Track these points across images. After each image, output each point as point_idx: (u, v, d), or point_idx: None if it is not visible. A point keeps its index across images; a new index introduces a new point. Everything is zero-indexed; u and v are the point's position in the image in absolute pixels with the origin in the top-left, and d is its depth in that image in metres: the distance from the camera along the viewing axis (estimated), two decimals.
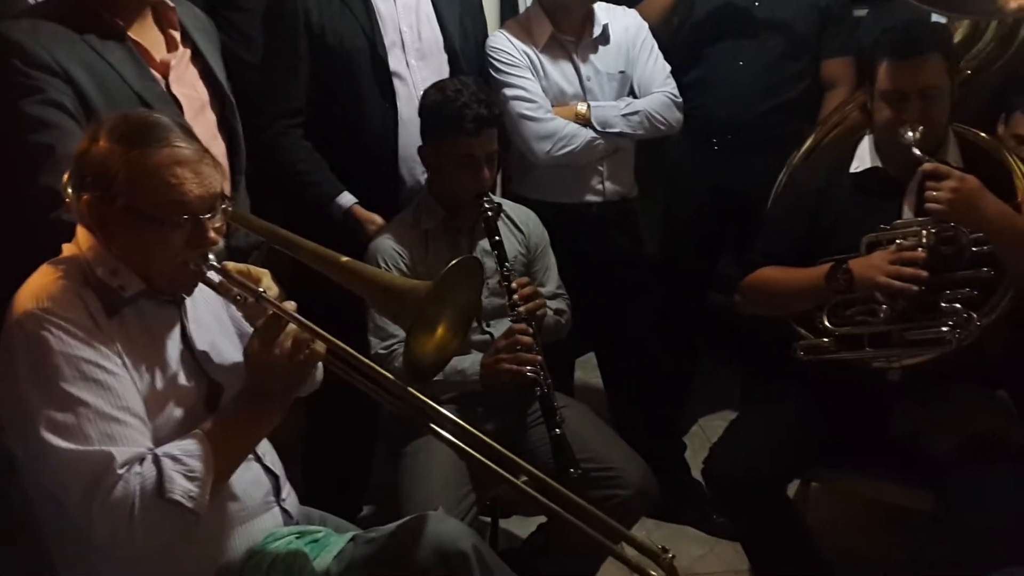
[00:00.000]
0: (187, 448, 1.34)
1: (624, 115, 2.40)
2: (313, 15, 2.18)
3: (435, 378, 1.53)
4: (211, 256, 1.42)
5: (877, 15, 2.69)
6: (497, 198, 2.19)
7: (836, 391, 2.03)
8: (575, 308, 2.28)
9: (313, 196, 2.20)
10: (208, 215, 1.39)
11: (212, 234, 1.40)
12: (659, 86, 2.45)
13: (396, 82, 2.21)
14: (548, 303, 2.14)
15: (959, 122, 2.05)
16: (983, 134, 2.03)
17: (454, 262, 1.44)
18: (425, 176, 2.19)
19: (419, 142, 2.12)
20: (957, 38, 2.16)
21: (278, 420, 1.43)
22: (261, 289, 1.42)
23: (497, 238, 2.03)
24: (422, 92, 2.12)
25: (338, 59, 2.19)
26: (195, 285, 1.46)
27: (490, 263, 2.04)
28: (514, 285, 2.01)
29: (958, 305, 1.88)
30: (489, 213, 2.03)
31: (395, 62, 2.21)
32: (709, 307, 2.88)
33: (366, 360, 1.38)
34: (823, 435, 2.07)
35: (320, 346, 1.38)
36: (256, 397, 1.40)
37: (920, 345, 1.90)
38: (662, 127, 2.44)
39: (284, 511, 1.59)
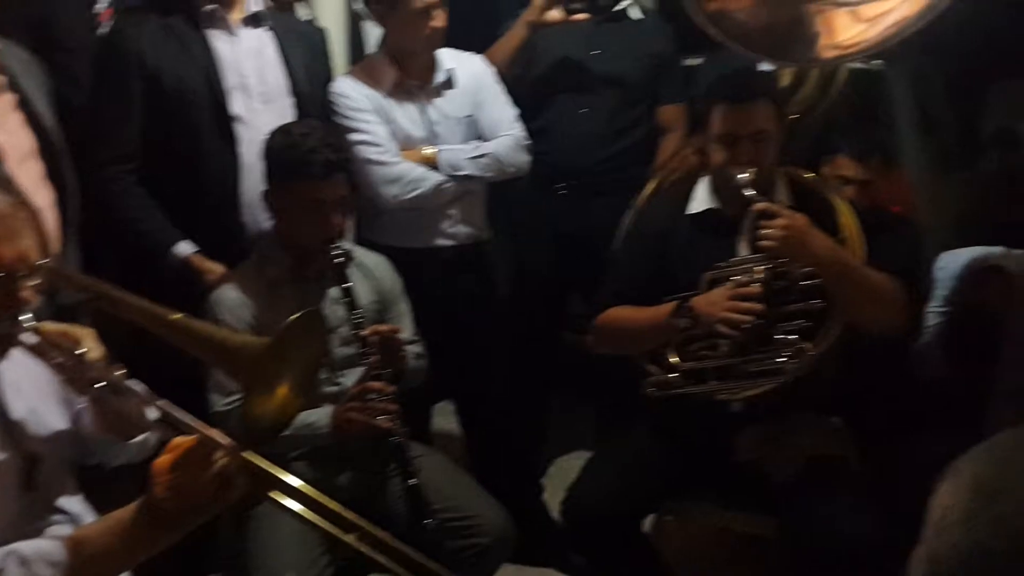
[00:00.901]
0: (43, 551, 1.21)
1: (472, 158, 2.42)
2: (148, 56, 2.09)
3: (283, 433, 1.46)
4: (25, 316, 1.32)
5: (710, 63, 2.84)
6: (347, 244, 2.14)
7: (683, 425, 2.08)
8: (430, 354, 2.25)
9: (148, 245, 2.10)
10: (20, 273, 1.29)
11: (25, 293, 1.30)
12: (507, 129, 2.49)
13: (237, 126, 2.15)
14: (407, 348, 2.11)
15: (787, 164, 2.16)
16: (808, 174, 2.15)
17: (293, 318, 1.39)
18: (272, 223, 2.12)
19: (262, 187, 2.06)
20: (783, 84, 2.29)
21: (165, 547, 1.26)
22: (81, 351, 1.32)
23: (347, 285, 1.97)
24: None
25: (175, 102, 2.11)
26: (6, 349, 1.35)
27: (341, 311, 1.98)
28: (367, 331, 1.95)
29: (792, 336, 1.96)
30: (338, 259, 1.97)
31: (236, 106, 2.15)
32: (561, 347, 2.92)
33: (192, 423, 1.29)
34: (674, 469, 2.11)
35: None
36: (153, 522, 1.23)
37: (759, 376, 1.98)
38: (511, 169, 2.47)
39: None
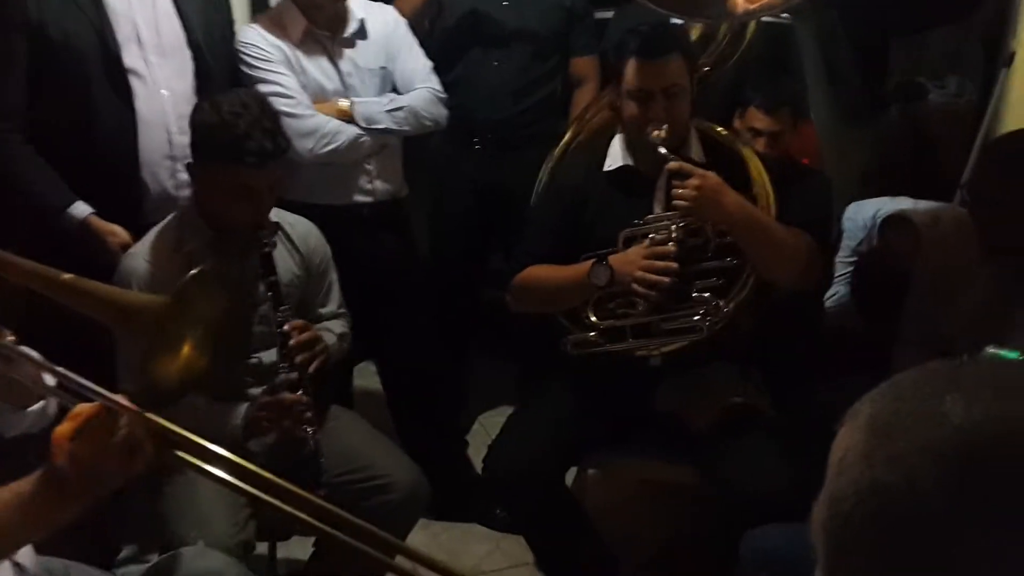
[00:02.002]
0: None
1: (389, 111, 2.35)
2: (31, 8, 1.95)
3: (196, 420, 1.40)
4: None
5: (621, 17, 2.82)
6: (274, 214, 1.99)
7: (604, 380, 2.10)
8: (351, 314, 2.20)
9: (39, 207, 1.97)
10: None
11: None
12: (422, 82, 2.42)
13: (133, 80, 2.03)
14: (331, 325, 2.05)
15: (699, 117, 2.17)
16: (720, 129, 2.16)
17: (192, 273, 1.32)
18: (172, 182, 2.02)
19: (163, 146, 1.96)
20: (693, 38, 2.29)
21: (69, 519, 1.19)
22: None
23: (272, 278, 1.86)
24: (166, 92, 1.95)
25: (63, 56, 1.97)
26: None
27: (262, 288, 1.89)
28: (288, 328, 1.86)
29: (707, 294, 1.99)
30: (266, 248, 1.85)
31: (130, 59, 2.03)
32: (482, 304, 2.90)
33: (94, 388, 1.22)
34: (595, 423, 2.14)
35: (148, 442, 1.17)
36: (55, 494, 1.16)
37: (676, 334, 2.01)
38: (428, 123, 2.41)
39: (16, 565, 1.40)
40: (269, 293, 1.86)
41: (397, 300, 2.50)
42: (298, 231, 2.06)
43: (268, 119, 1.82)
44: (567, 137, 2.38)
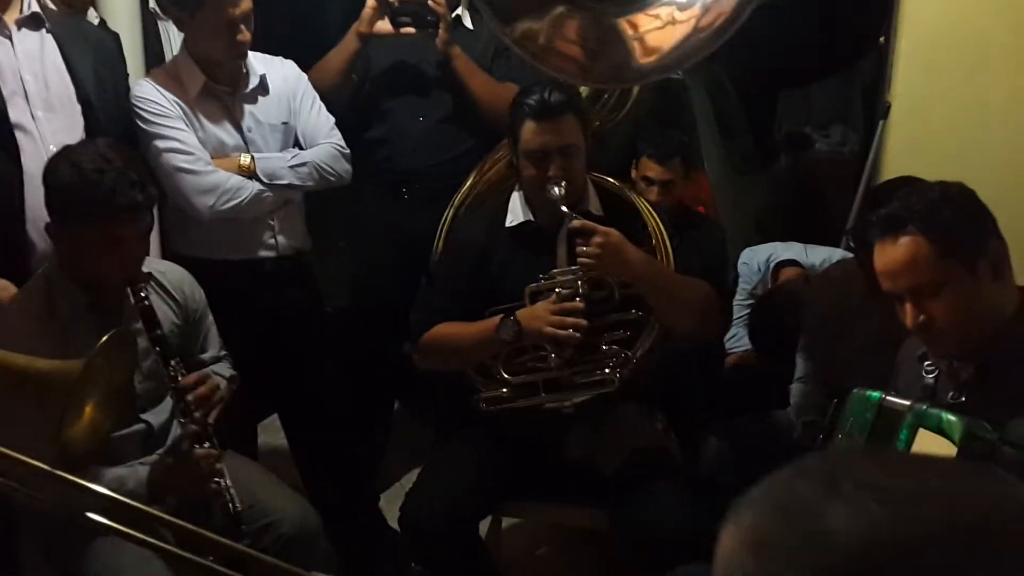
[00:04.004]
0: None
1: (292, 167, 2.34)
2: None
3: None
4: None
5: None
6: (146, 267, 1.92)
7: (516, 428, 2.11)
8: (255, 370, 2.16)
9: None
10: None
11: None
12: (325, 137, 2.42)
13: (19, 135, 1.97)
14: (217, 368, 2.01)
15: (601, 169, 2.24)
16: (613, 180, 2.23)
17: (106, 337, 1.29)
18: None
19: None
20: (585, 94, 2.35)
21: None
22: None
23: (158, 332, 1.79)
24: (54, 148, 1.88)
25: None
26: None
27: (144, 343, 1.83)
28: (183, 383, 1.80)
29: (615, 346, 2.05)
30: (146, 302, 1.79)
31: (16, 113, 1.97)
32: (404, 358, 2.87)
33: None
34: (508, 471, 2.14)
35: None
36: None
37: (587, 387, 2.04)
38: (331, 178, 2.40)
39: None
40: (156, 348, 1.80)
41: (302, 354, 2.46)
42: (171, 279, 2.01)
43: (133, 170, 1.75)
44: (463, 191, 2.41)
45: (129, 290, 1.80)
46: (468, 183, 2.42)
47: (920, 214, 1.49)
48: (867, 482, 0.55)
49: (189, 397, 1.80)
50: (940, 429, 1.42)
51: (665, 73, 1.99)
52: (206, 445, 1.80)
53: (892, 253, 1.51)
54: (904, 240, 1.49)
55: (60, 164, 1.75)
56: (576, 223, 1.97)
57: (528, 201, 2.15)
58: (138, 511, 1.24)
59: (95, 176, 1.70)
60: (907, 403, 1.53)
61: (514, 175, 2.20)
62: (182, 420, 1.82)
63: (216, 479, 1.79)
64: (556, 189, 2.00)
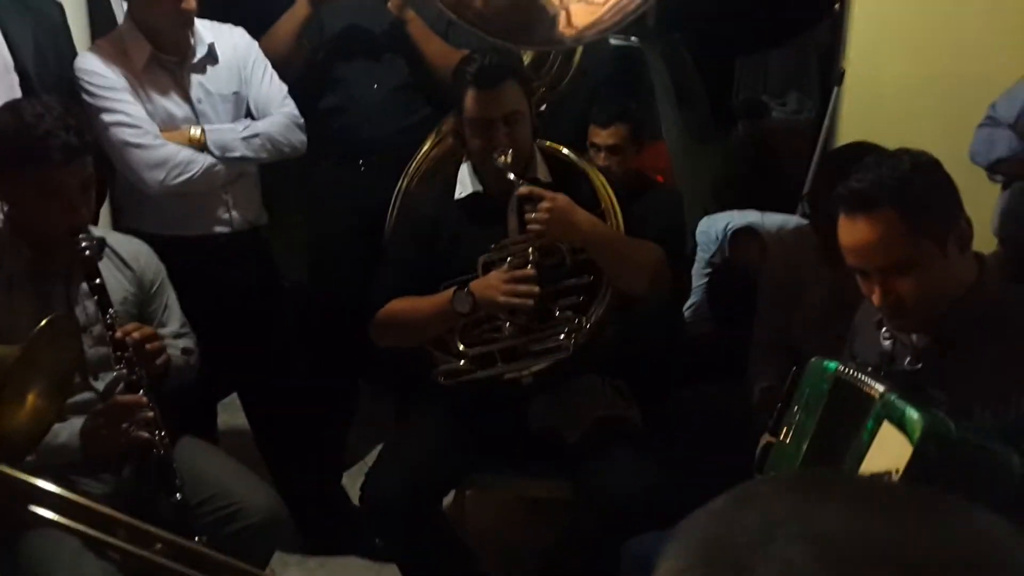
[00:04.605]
0: None
1: (244, 138, 2.28)
2: None
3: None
4: None
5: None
6: (100, 231, 1.95)
7: (477, 402, 2.11)
8: (212, 347, 2.12)
9: None
10: None
11: None
12: (278, 107, 2.36)
13: None
14: (174, 342, 1.97)
15: (559, 140, 2.22)
16: (562, 148, 2.21)
17: (44, 323, 1.25)
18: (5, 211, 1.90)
19: None
20: (527, 61, 2.33)
21: None
22: None
23: (98, 281, 1.78)
24: None
25: None
26: None
27: (92, 308, 1.81)
28: (119, 334, 1.77)
29: (569, 313, 2.04)
30: (87, 252, 1.78)
31: None
32: (365, 333, 2.84)
33: None
34: (470, 445, 2.14)
35: None
36: None
37: (543, 354, 2.04)
38: (286, 149, 2.35)
39: None
40: (94, 297, 1.78)
41: (261, 331, 2.43)
42: (127, 249, 2.00)
43: (72, 117, 1.79)
44: (412, 167, 2.38)
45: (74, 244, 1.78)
46: (414, 163, 2.39)
47: (892, 191, 1.42)
48: (805, 531, 0.51)
49: (127, 340, 1.77)
50: (901, 424, 1.35)
51: (603, 34, 1.96)
52: (139, 393, 1.77)
53: (862, 230, 1.44)
54: (876, 217, 1.43)
55: (3, 113, 1.78)
56: (524, 189, 1.96)
57: (476, 172, 2.13)
58: (85, 508, 1.22)
59: (32, 120, 1.73)
60: (864, 378, 1.47)
61: (461, 148, 2.18)
62: (117, 368, 1.79)
63: (148, 429, 1.76)
64: (503, 159, 1.99)
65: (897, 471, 1.33)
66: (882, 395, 1.41)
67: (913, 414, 1.34)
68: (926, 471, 1.29)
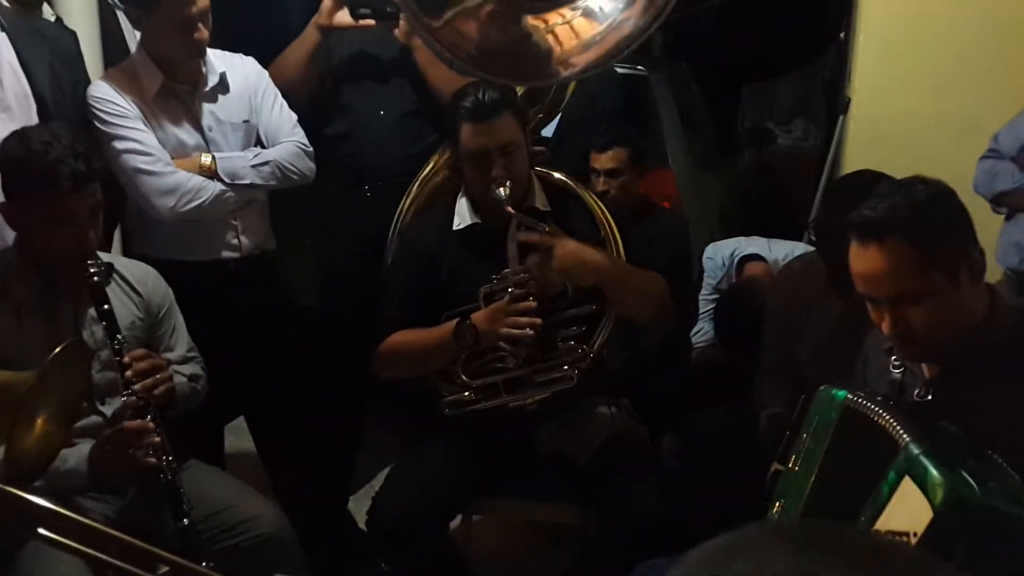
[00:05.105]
0: None
1: (254, 166, 2.30)
2: None
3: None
4: None
5: None
6: (108, 257, 1.97)
7: (483, 428, 2.11)
8: (220, 371, 2.13)
9: None
10: None
11: None
12: (287, 135, 2.39)
13: None
14: (180, 368, 1.98)
15: (566, 168, 2.23)
16: (556, 174, 2.21)
17: (59, 349, 1.26)
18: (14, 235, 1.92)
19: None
20: (520, 91, 2.34)
21: None
22: None
23: (106, 307, 1.80)
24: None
25: None
26: None
27: (100, 333, 1.83)
28: (127, 360, 1.79)
29: (572, 343, 2.05)
30: (95, 278, 1.80)
31: None
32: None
33: None
34: (477, 470, 2.14)
35: None
36: None
37: (547, 384, 2.05)
38: (295, 177, 2.37)
39: None
40: (103, 323, 1.80)
41: (269, 355, 2.43)
42: (135, 274, 2.02)
43: (80, 144, 1.81)
44: (411, 197, 2.39)
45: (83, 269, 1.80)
46: (412, 193, 2.41)
47: (906, 221, 1.39)
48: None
49: (129, 372, 1.79)
50: (923, 485, 1.28)
51: (596, 69, 1.98)
52: (147, 419, 1.78)
53: (873, 259, 1.42)
54: (888, 246, 1.40)
55: (11, 141, 1.81)
56: (523, 236, 1.98)
57: (473, 203, 2.15)
58: (83, 525, 1.22)
59: (41, 147, 1.76)
60: (877, 409, 1.42)
61: (457, 179, 2.19)
62: (124, 393, 1.80)
63: (155, 454, 1.77)
64: (500, 190, 1.99)
65: (915, 535, 1.27)
66: (907, 446, 1.34)
67: (936, 477, 1.27)
68: (945, 539, 1.24)
